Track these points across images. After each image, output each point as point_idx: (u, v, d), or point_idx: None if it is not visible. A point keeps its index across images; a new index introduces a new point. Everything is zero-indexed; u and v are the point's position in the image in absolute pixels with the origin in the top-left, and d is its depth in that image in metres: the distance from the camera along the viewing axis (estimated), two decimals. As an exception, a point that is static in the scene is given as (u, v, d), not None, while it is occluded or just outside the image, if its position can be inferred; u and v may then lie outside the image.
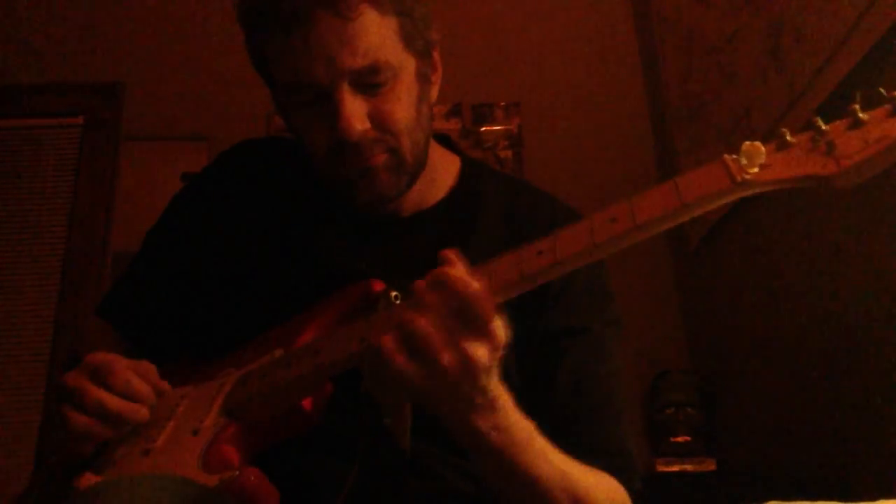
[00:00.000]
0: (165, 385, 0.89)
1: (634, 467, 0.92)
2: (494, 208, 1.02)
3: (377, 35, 0.88)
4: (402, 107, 0.92)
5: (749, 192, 0.65)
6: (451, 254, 0.70)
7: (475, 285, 0.67)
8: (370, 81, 0.89)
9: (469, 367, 0.67)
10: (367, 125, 0.89)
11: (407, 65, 0.93)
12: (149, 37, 2.81)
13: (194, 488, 0.70)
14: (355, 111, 0.88)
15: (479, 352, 0.67)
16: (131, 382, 0.85)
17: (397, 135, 0.92)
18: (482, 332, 0.67)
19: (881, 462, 1.47)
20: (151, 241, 1.12)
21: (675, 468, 2.13)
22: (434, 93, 1.00)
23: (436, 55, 0.99)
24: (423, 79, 0.96)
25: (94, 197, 2.64)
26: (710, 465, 2.14)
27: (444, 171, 1.05)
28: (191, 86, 2.74)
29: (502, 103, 2.76)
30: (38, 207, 2.65)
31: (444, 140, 1.10)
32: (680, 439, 2.20)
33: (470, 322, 0.67)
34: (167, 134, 2.70)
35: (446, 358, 0.66)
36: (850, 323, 1.58)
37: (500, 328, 0.69)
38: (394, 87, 0.91)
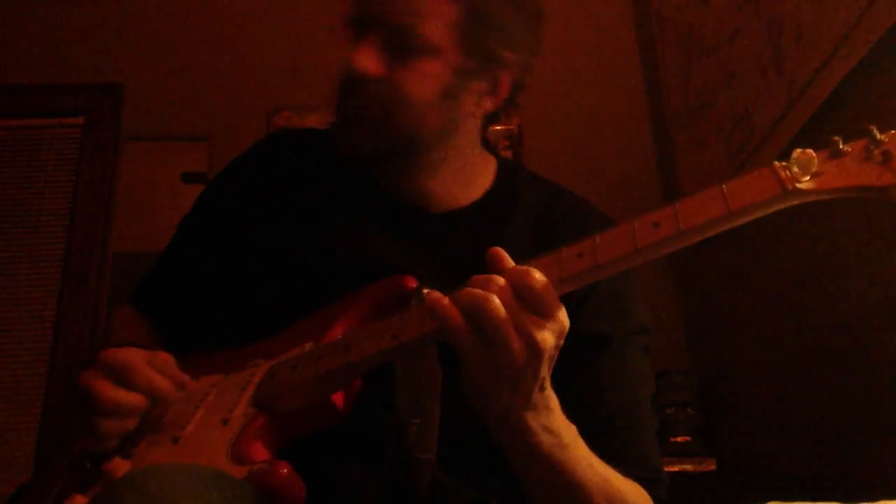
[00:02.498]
0: (185, 377, 0.89)
1: (660, 478, 0.91)
2: (529, 210, 1.03)
3: (435, 9, 0.94)
4: (420, 82, 0.95)
5: (800, 201, 0.63)
6: (499, 250, 0.70)
7: (539, 274, 0.67)
8: (403, 43, 0.94)
9: (535, 351, 0.66)
10: (375, 74, 0.94)
11: (449, 53, 0.96)
12: (149, 37, 2.80)
13: (228, 481, 0.70)
14: (367, 55, 0.94)
15: (545, 336, 0.67)
16: (153, 381, 0.85)
17: (401, 101, 0.96)
18: (549, 316, 0.67)
19: (881, 462, 1.47)
20: (186, 228, 1.12)
21: (675, 468, 2.12)
22: (484, 104, 1.02)
23: (503, 76, 1.01)
24: (464, 77, 0.97)
25: (94, 197, 2.64)
26: (710, 465, 2.13)
27: (481, 171, 1.06)
28: (191, 86, 2.74)
29: (502, 103, 2.76)
30: (38, 207, 2.65)
31: (484, 142, 1.10)
32: (680, 439, 2.20)
33: (537, 308, 0.66)
34: (167, 134, 2.70)
35: (513, 338, 0.66)
36: (850, 323, 1.58)
37: (565, 315, 0.68)
38: (421, 62, 0.94)
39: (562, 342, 0.69)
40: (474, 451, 0.83)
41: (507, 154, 2.70)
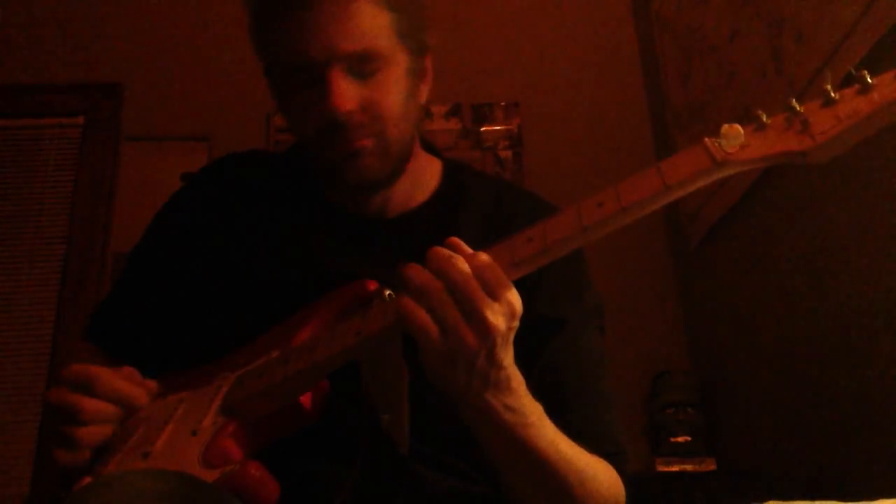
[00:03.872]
0: (151, 383, 0.90)
1: (622, 451, 0.93)
2: (478, 208, 1.04)
3: (371, 23, 0.93)
4: (391, 96, 0.95)
5: (729, 172, 0.68)
6: (455, 240, 0.72)
7: (484, 256, 0.70)
8: (362, 68, 0.93)
9: (485, 332, 0.68)
10: (356, 107, 0.92)
11: (399, 58, 0.96)
12: (149, 37, 2.81)
13: (195, 483, 0.70)
14: (345, 92, 0.91)
15: (495, 316, 0.68)
16: (118, 387, 0.86)
17: (384, 121, 0.95)
18: (497, 297, 0.69)
19: (881, 462, 1.47)
20: (136, 259, 1.12)
21: (675, 468, 2.13)
22: (423, 94, 1.04)
23: (428, 60, 1.03)
24: (413, 76, 0.99)
25: (94, 197, 2.64)
26: (710, 465, 2.14)
27: (427, 173, 1.07)
28: (191, 86, 2.74)
29: (502, 103, 2.76)
30: (38, 207, 2.65)
31: (426, 144, 1.12)
32: (680, 439, 2.20)
33: (485, 288, 0.69)
34: (167, 134, 2.70)
35: (463, 321, 0.68)
36: (850, 323, 1.58)
37: (516, 296, 0.70)
38: (384, 76, 0.95)
39: (516, 323, 0.71)
40: (449, 441, 0.85)
41: (507, 154, 2.70)
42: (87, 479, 0.80)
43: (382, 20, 0.94)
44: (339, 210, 1.04)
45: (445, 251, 0.71)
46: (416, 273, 0.71)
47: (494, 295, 0.69)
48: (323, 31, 0.91)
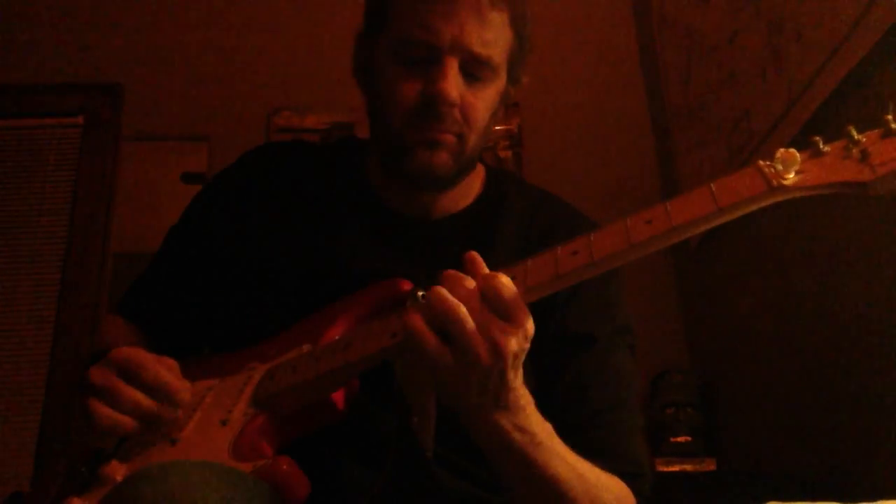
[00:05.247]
0: (187, 383, 0.89)
1: (643, 473, 0.93)
2: (517, 217, 1.05)
3: (501, 36, 0.97)
4: (484, 107, 0.99)
5: (784, 197, 0.67)
6: (474, 254, 0.73)
7: (501, 276, 0.70)
8: (474, 71, 0.96)
9: (499, 355, 0.69)
10: (458, 101, 0.95)
11: (501, 77, 1.00)
12: (149, 37, 2.81)
13: (241, 477, 0.71)
14: (456, 83, 0.94)
15: (509, 340, 0.69)
16: (161, 377, 0.85)
17: (471, 126, 0.97)
18: (515, 322, 0.69)
19: (881, 462, 1.47)
20: (174, 239, 1.13)
21: (675, 468, 2.13)
22: (499, 120, 1.08)
23: (513, 92, 1.06)
24: (502, 100, 1.03)
25: (94, 197, 2.64)
26: (710, 465, 2.14)
27: (471, 179, 1.08)
28: (191, 86, 2.74)
29: (502, 103, 2.76)
30: (38, 207, 2.65)
31: None
32: (680, 439, 2.20)
33: (501, 312, 0.69)
34: (167, 134, 2.70)
35: (477, 342, 0.68)
36: (851, 323, 1.58)
37: (529, 319, 0.71)
38: (486, 87, 0.98)
39: (527, 345, 0.71)
40: (471, 448, 0.84)
41: (507, 154, 2.70)
42: (116, 462, 0.81)
43: (508, 37, 0.98)
44: (382, 207, 1.05)
45: (455, 273, 0.71)
46: (437, 297, 0.71)
47: (507, 316, 0.69)
48: (461, 21, 0.93)
